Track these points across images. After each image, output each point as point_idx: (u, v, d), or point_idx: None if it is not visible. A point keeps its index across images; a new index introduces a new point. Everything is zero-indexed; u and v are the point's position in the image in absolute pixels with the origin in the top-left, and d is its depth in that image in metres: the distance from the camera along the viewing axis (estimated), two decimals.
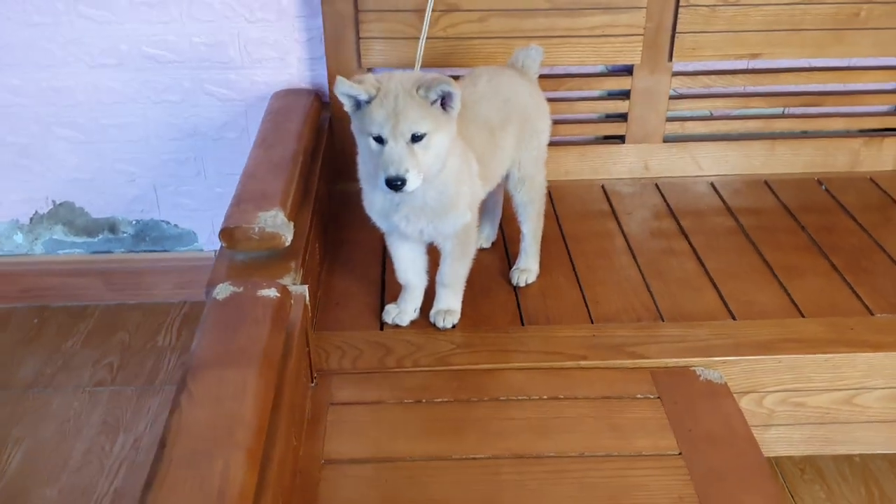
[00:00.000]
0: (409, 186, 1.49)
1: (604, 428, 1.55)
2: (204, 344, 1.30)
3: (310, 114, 2.15)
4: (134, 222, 2.52)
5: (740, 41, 2.23)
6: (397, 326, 1.81)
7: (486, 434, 1.53)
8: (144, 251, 2.56)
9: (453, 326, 1.79)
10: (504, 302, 1.90)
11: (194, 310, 2.59)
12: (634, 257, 2.06)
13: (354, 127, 1.57)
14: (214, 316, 1.36)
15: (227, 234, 1.63)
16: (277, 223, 1.64)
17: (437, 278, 1.79)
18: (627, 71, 2.28)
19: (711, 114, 2.41)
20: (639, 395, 1.63)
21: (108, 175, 2.44)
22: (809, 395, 1.74)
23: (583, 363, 1.70)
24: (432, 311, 1.80)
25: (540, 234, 1.95)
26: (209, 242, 2.56)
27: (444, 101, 1.50)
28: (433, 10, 2.15)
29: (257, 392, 1.21)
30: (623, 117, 2.33)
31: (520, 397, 1.62)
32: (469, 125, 1.66)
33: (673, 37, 2.22)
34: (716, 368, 1.69)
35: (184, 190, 2.48)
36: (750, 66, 2.33)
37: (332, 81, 2.24)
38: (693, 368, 1.69)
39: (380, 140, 1.50)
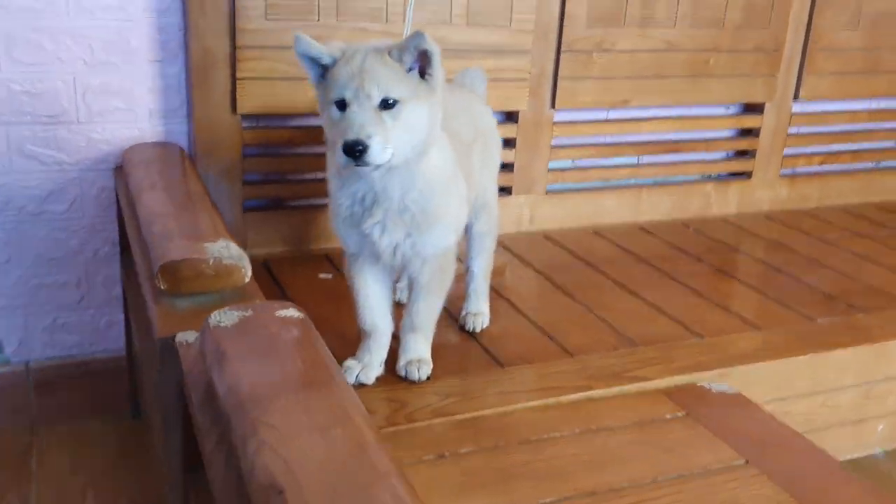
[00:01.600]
0: (372, 156, 1.22)
1: (658, 451, 1.35)
2: (245, 375, 0.91)
3: (186, 164, 1.79)
4: None
5: (613, 88, 2.27)
6: (362, 385, 1.47)
7: (539, 478, 1.25)
8: None
9: (428, 378, 1.50)
10: (467, 348, 1.65)
11: (5, 442, 1.97)
12: (572, 297, 1.92)
13: (320, 104, 1.30)
14: (233, 345, 0.97)
15: (169, 271, 1.23)
16: (233, 253, 1.27)
17: (406, 323, 1.50)
18: (513, 119, 2.21)
19: (573, 163, 2.40)
20: (668, 416, 1.46)
21: None
22: (794, 402, 1.69)
23: (593, 394, 1.50)
24: (401, 363, 1.50)
25: (490, 272, 1.74)
26: (20, 351, 1.99)
27: (423, 68, 1.28)
28: None
29: (364, 414, 0.86)
30: (510, 167, 2.24)
31: (552, 435, 1.37)
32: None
33: (555, 83, 2.20)
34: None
35: None
36: (620, 115, 2.38)
37: (198, 133, 1.91)
38: (701, 384, 1.56)
39: (342, 105, 1.25)
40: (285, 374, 0.91)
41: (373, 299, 1.47)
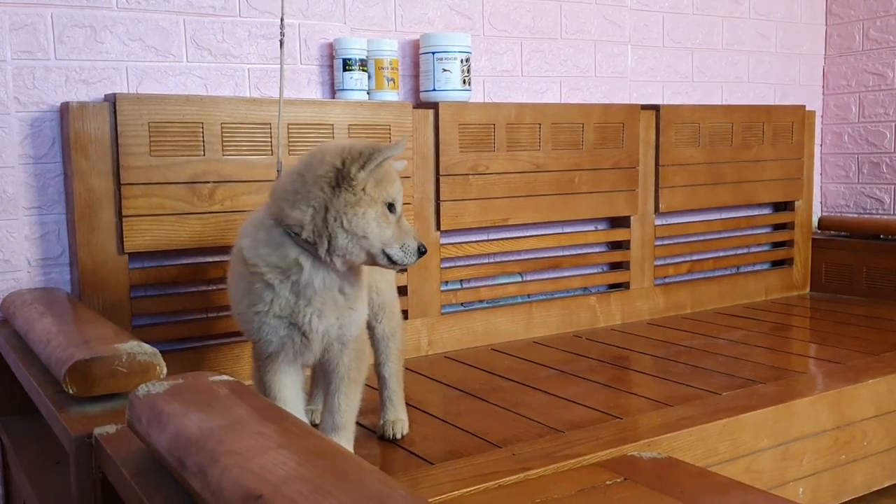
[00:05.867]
0: None
1: None
2: (190, 424, 0.84)
3: (74, 300, 1.70)
4: None
5: (491, 207, 2.37)
6: None
7: None
8: None
9: None
10: (391, 452, 1.60)
11: None
12: (486, 400, 1.90)
13: (360, 198, 1.32)
14: (170, 405, 0.90)
15: (78, 371, 1.14)
16: (146, 350, 1.20)
17: (327, 423, 1.44)
18: None
19: (462, 285, 2.45)
20: (608, 482, 1.43)
21: None
22: (719, 469, 1.69)
23: (530, 474, 1.46)
24: None
25: (402, 376, 1.71)
26: None
27: None
28: (207, 182, 1.94)
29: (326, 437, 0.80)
30: (403, 291, 2.25)
31: None
32: None
33: (438, 206, 2.28)
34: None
35: None
36: (501, 235, 2.47)
37: (84, 275, 1.83)
38: (632, 454, 1.55)
39: (391, 208, 1.36)
40: (234, 416, 0.85)
41: (291, 403, 1.41)
